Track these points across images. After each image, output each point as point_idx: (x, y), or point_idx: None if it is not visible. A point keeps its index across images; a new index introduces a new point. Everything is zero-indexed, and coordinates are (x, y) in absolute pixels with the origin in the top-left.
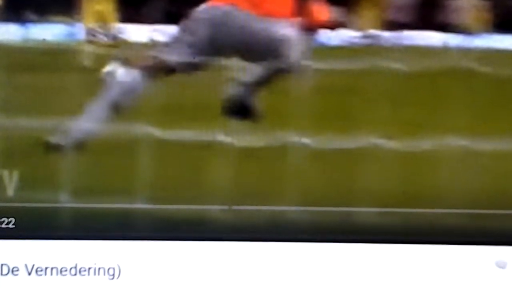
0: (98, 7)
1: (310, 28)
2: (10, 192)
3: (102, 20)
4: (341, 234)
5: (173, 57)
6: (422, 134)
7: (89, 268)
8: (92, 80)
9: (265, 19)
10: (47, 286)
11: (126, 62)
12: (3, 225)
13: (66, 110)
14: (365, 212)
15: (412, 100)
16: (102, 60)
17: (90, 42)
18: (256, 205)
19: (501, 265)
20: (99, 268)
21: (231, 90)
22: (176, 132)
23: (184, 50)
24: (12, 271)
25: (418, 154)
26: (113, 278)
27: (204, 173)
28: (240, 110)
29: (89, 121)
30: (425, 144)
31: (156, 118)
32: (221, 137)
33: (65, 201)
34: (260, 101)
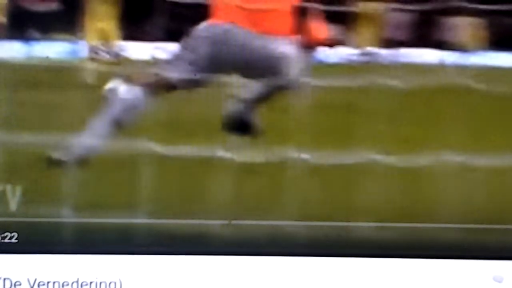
0: (101, 25)
1: (309, 45)
2: (13, 207)
3: (104, 38)
4: (340, 248)
5: (174, 74)
6: (419, 150)
7: (91, 282)
8: (94, 96)
9: (265, 36)
10: None
11: (128, 79)
12: (6, 240)
13: (69, 126)
14: (364, 226)
15: (410, 117)
16: (104, 77)
17: (92, 59)
18: (256, 220)
19: (498, 280)
20: (100, 282)
21: (231, 107)
22: (177, 148)
23: (185, 67)
24: (15, 286)
25: (415, 170)
26: None
27: (205, 188)
28: (240, 126)
29: (91, 137)
30: (423, 159)
31: (157, 134)
32: (221, 153)
33: (68, 216)
34: (259, 117)
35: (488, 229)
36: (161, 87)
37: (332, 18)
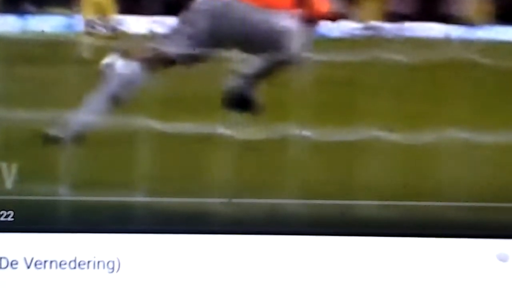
0: None
1: (311, 19)
2: (8, 185)
3: (101, 11)
4: (342, 227)
5: (172, 49)
6: (423, 126)
7: (89, 262)
8: (91, 72)
9: (266, 10)
10: (46, 280)
11: (125, 54)
12: (2, 218)
13: (65, 102)
14: (366, 205)
15: (414, 92)
16: (101, 52)
17: (89, 33)
18: (256, 198)
19: (503, 258)
20: (98, 262)
21: (231, 82)
22: (175, 125)
23: (184, 41)
24: (11, 265)
25: (419, 147)
26: (112, 272)
27: (204, 166)
28: (240, 102)
29: (88, 114)
30: (427, 136)
31: (156, 111)
32: (221, 130)
33: (64, 194)
34: (260, 93)
35: (493, 207)
36: (159, 62)
37: None
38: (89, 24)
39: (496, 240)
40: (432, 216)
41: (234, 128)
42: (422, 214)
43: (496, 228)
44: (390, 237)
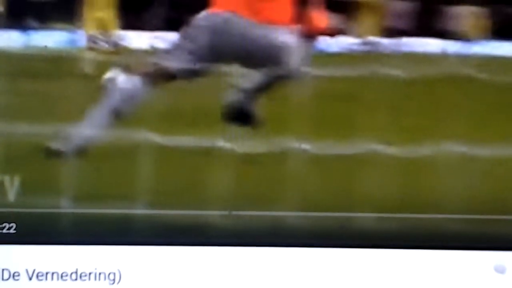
0: (99, 14)
1: (310, 35)
2: (11, 197)
3: (103, 27)
4: (341, 239)
5: (173, 64)
6: (421, 140)
7: (90, 273)
8: (93, 86)
9: (265, 26)
10: None
11: (127, 68)
12: (4, 230)
13: (67, 116)
14: (365, 217)
15: (411, 107)
16: (103, 67)
17: (91, 49)
18: (256, 210)
19: (500, 270)
20: (99, 273)
21: (231, 97)
22: (176, 138)
23: (185, 56)
24: (13, 276)
25: (417, 160)
26: (113, 283)
27: (204, 178)
28: (240, 116)
29: (90, 127)
30: (424, 150)
31: (157, 124)
32: (221, 143)
33: (66, 206)
34: (260, 107)
35: (490, 220)
36: (160, 77)
37: (333, 7)
38: (91, 39)
39: (493, 252)
40: (430, 228)
41: (234, 142)
42: (420, 227)
43: (494, 240)
44: (389, 249)
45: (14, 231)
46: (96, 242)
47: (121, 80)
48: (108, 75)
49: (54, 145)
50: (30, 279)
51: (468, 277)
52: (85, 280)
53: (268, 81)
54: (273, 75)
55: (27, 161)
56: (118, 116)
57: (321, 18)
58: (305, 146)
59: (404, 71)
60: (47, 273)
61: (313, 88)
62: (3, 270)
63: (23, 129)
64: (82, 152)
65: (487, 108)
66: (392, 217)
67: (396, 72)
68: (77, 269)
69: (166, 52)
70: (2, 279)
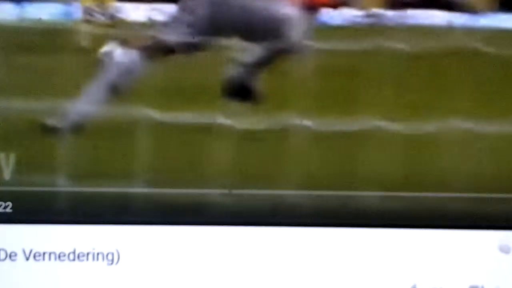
0: None
1: (312, 7)
2: (7, 175)
3: None
4: (343, 218)
5: (172, 37)
6: (425, 116)
7: (88, 253)
8: (89, 60)
9: None
10: (45, 271)
11: (124, 42)
12: (0, 209)
13: (63, 91)
14: (368, 196)
15: (416, 81)
16: (99, 40)
17: (87, 21)
18: (257, 189)
19: (505, 250)
20: (97, 253)
21: (231, 71)
22: (175, 115)
23: (183, 30)
24: (10, 256)
25: (421, 137)
26: (112, 263)
27: (204, 156)
28: (240, 91)
29: (86, 103)
30: (429, 126)
31: (155, 100)
32: (221, 120)
33: (63, 185)
34: (260, 82)
35: (495, 198)
36: (158, 51)
37: None
38: (87, 11)
39: (498, 232)
40: (434, 207)
41: (234, 118)
42: (423, 205)
43: (498, 219)
44: (392, 228)
45: (10, 210)
46: (94, 221)
47: (118, 54)
48: (105, 48)
49: (50, 121)
50: (27, 259)
51: (473, 256)
52: (83, 260)
53: (269, 55)
54: (274, 49)
55: (22, 138)
56: (116, 91)
57: None
58: (307, 122)
59: (409, 44)
60: (44, 253)
61: (315, 63)
62: None
63: (18, 105)
64: (79, 128)
65: (495, 83)
66: (395, 196)
67: (400, 45)
68: (74, 249)
69: (164, 25)
70: None
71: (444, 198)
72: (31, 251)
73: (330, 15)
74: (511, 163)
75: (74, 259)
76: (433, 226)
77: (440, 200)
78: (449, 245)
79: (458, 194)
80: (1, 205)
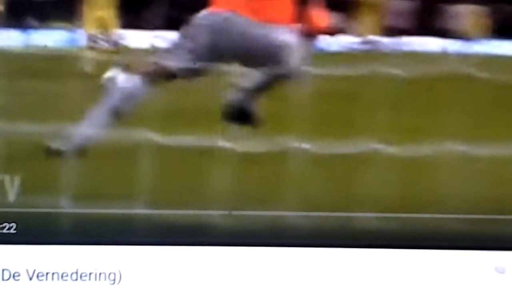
0: (99, 13)
1: (310, 34)
2: (11, 197)
3: (103, 26)
4: (341, 239)
5: (173, 63)
6: (421, 139)
7: (90, 273)
8: (93, 86)
9: (265, 25)
10: None
11: (127, 68)
12: (5, 230)
13: (67, 115)
14: (365, 217)
15: (412, 106)
16: (103, 66)
17: (91, 48)
18: (256, 210)
19: (500, 270)
20: (100, 273)
21: (231, 96)
22: (176, 138)
23: (185, 56)
24: (14, 276)
25: (417, 160)
26: (114, 283)
27: (205, 178)
28: (240, 115)
29: (90, 127)
30: (424, 149)
31: (157, 124)
32: (221, 143)
33: (67, 206)
34: (260, 106)
35: (490, 220)
36: (160, 76)
37: (333, 6)
38: (91, 38)
39: (494, 252)
40: (430, 228)
41: (234, 141)
42: (420, 226)
43: (494, 240)
44: (389, 249)
45: (14, 231)
46: (96, 242)
47: (121, 79)
48: (108, 74)
49: (54, 144)
50: (31, 279)
51: (469, 277)
52: (85, 280)
53: (268, 80)
54: (273, 74)
55: (27, 161)
56: (118, 116)
57: (321, 17)
58: (305, 145)
59: (405, 70)
60: (47, 273)
61: (313, 87)
62: (3, 270)
63: (24, 128)
64: (82, 151)
65: (488, 107)
66: (392, 217)
67: (396, 71)
68: (77, 269)
69: (166, 51)
70: (2, 279)
71: (440, 219)
72: (34, 271)
73: (328, 42)
74: (505, 185)
75: (76, 279)
76: (430, 246)
77: (436, 221)
78: (445, 265)
79: (454, 215)
80: (6, 226)
